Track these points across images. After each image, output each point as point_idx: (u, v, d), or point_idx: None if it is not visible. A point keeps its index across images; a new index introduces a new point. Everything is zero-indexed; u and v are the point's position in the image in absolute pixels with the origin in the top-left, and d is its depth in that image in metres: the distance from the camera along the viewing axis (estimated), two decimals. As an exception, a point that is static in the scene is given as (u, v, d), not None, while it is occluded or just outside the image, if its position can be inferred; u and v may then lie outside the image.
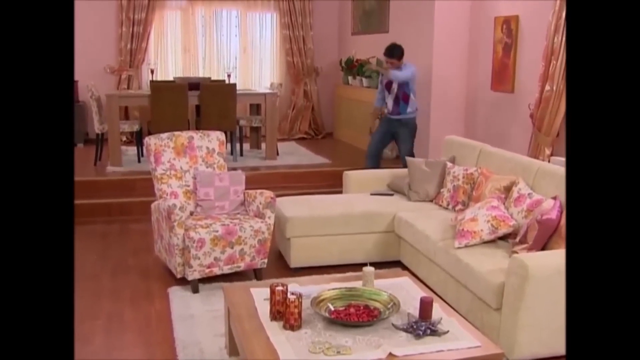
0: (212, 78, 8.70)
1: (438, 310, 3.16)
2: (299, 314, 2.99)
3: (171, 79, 9.12)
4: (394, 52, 6.67)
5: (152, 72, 8.99)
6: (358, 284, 3.43)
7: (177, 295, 4.50)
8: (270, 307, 3.11)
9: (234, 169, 5.34)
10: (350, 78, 9.58)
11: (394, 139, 7.09)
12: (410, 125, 6.90)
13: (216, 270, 4.56)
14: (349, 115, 9.60)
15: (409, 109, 6.82)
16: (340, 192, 5.98)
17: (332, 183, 6.91)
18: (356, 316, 3.06)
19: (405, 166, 5.95)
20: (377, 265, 3.58)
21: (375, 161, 7.07)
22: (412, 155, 6.66)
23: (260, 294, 3.39)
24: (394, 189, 5.69)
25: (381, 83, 7.03)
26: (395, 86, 6.79)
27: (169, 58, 10.05)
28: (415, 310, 3.11)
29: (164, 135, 5.03)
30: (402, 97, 6.79)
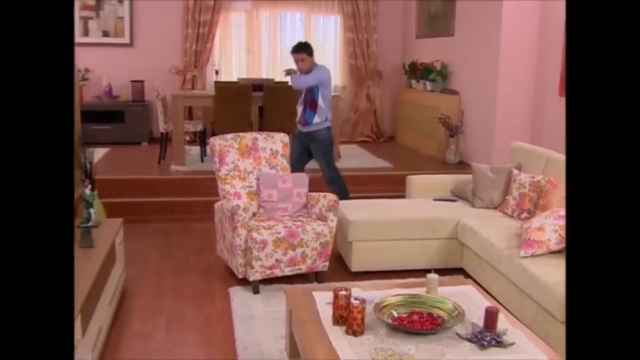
0: (275, 80, 8.72)
1: (503, 321, 3.07)
2: (362, 319, 2.95)
3: (235, 80, 9.19)
4: (306, 47, 5.94)
5: (216, 72, 9.09)
6: (421, 290, 3.37)
7: (238, 296, 4.52)
8: (333, 311, 3.08)
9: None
10: (413, 82, 9.49)
11: (309, 155, 6.21)
12: (320, 140, 6.02)
13: (277, 272, 4.57)
14: (412, 119, 9.51)
15: (316, 119, 5.94)
16: (403, 197, 5.92)
17: (393, 187, 6.84)
18: (419, 324, 3.00)
19: (328, 182, 6.08)
20: (439, 271, 3.51)
21: None
22: (335, 171, 6.18)
23: (322, 297, 3.37)
24: (457, 195, 5.60)
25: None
26: (303, 89, 6.08)
27: (232, 59, 10.15)
28: (479, 320, 3.04)
29: (229, 136, 5.07)
30: (310, 103, 5.97)
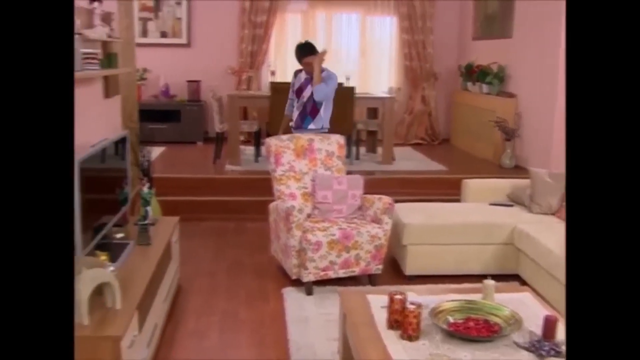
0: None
1: (562, 331, 3.00)
2: (418, 324, 2.91)
3: (289, 80, 9.22)
4: (314, 49, 5.65)
5: (272, 73, 9.14)
6: (477, 296, 3.32)
7: (291, 297, 4.52)
8: (388, 315, 3.05)
9: (350, 172, 5.32)
10: (469, 84, 9.37)
11: None
12: None
13: (331, 274, 4.56)
14: (467, 122, 9.39)
15: (312, 125, 5.67)
16: (458, 201, 5.84)
17: (448, 191, 6.77)
18: (476, 330, 2.95)
19: None
20: (494, 277, 3.45)
21: None
22: None
23: (377, 301, 3.34)
24: (514, 200, 5.49)
25: (292, 86, 5.94)
26: (306, 94, 5.71)
27: (288, 60, 10.17)
28: (537, 328, 2.97)
29: (285, 136, 5.09)
30: (311, 110, 5.70)
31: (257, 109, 9.25)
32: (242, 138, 9.12)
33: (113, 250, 3.68)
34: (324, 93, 5.61)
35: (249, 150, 8.45)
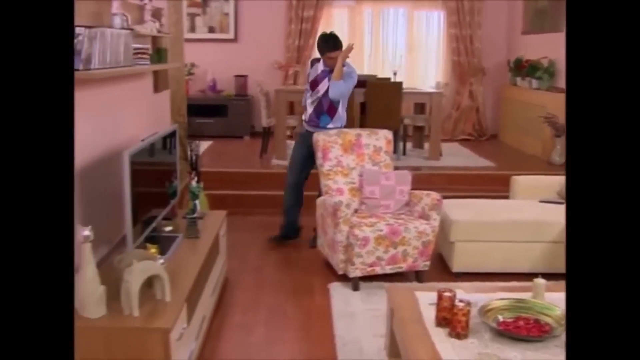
0: (378, 76, 8.67)
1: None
2: (467, 322, 2.87)
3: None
4: (339, 43, 5.22)
5: (319, 68, 9.12)
6: (526, 295, 3.25)
7: (338, 292, 4.51)
8: (436, 312, 3.01)
9: (397, 168, 5.28)
10: (518, 79, 9.22)
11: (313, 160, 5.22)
12: None
13: (378, 270, 4.53)
14: (516, 118, 9.24)
15: (331, 125, 5.24)
16: (506, 197, 5.74)
17: (496, 187, 6.67)
18: (526, 330, 2.89)
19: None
20: (544, 276, 3.37)
21: (298, 194, 5.52)
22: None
23: (425, 297, 3.31)
24: (564, 198, 5.38)
25: (307, 77, 5.50)
26: (322, 88, 5.24)
27: (334, 55, 10.16)
28: (590, 329, 2.90)
29: (333, 132, 5.08)
30: (328, 107, 5.26)
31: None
32: (288, 133, 9.14)
33: (162, 243, 3.72)
34: (339, 91, 5.15)
35: (295, 144, 8.46)
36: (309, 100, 5.32)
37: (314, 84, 5.27)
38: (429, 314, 3.09)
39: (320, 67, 5.29)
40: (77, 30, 3.01)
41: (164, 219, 4.05)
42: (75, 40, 3.01)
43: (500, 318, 2.99)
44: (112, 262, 3.56)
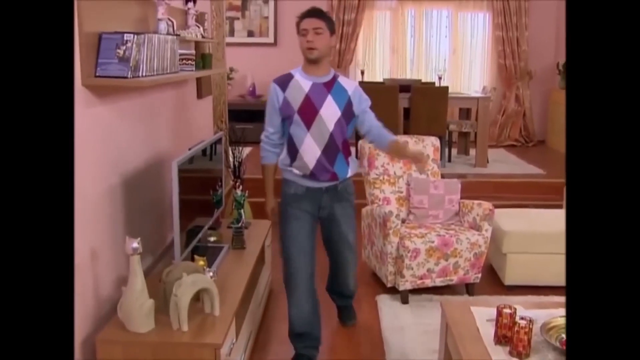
0: (422, 80, 8.53)
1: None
2: (529, 341, 2.72)
3: (379, 80, 9.07)
4: (329, 18, 3.40)
5: (362, 73, 9.01)
6: (590, 312, 3.09)
7: (386, 304, 4.38)
8: (496, 329, 2.87)
9: (442, 175, 5.13)
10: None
11: (326, 225, 3.74)
12: (352, 192, 3.72)
13: (428, 282, 4.38)
14: (564, 123, 8.98)
15: (350, 171, 3.58)
16: (557, 207, 5.55)
17: (546, 196, 6.46)
18: (593, 351, 2.72)
19: (352, 252, 3.85)
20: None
21: (313, 295, 3.73)
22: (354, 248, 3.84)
23: (481, 313, 3.16)
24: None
25: (273, 104, 3.47)
26: (329, 112, 3.37)
27: (377, 59, 10.03)
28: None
29: (379, 139, 4.94)
30: (342, 146, 3.48)
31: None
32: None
33: (208, 254, 3.64)
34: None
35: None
36: (303, 142, 3.38)
37: (306, 109, 3.33)
38: (487, 331, 2.95)
39: (303, 80, 3.38)
40: (126, 36, 2.94)
41: (208, 228, 3.96)
42: (124, 47, 2.94)
43: (564, 336, 2.83)
44: (157, 272, 3.49)
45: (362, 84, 7.65)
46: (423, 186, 4.72)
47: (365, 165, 4.84)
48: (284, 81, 3.44)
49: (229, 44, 9.30)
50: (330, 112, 3.36)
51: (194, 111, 4.92)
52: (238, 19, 9.96)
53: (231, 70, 9.60)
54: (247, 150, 8.53)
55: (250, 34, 9.98)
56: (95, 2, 2.97)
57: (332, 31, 3.37)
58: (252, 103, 9.71)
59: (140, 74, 3.06)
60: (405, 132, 7.23)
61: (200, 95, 5.09)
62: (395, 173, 4.85)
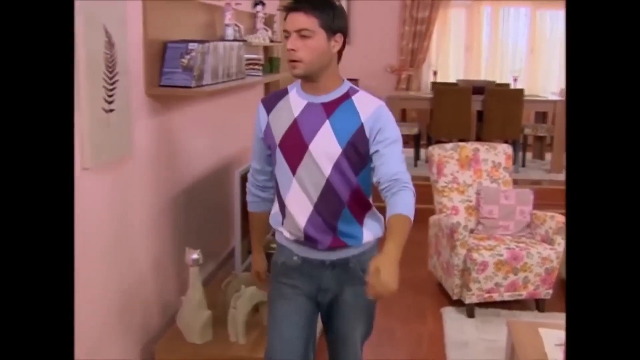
0: (496, 81, 8.29)
1: None
2: (601, 372, 2.57)
3: (452, 80, 8.88)
4: (322, 5, 2.23)
5: (434, 73, 8.84)
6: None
7: (451, 317, 4.26)
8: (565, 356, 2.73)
9: (515, 181, 4.94)
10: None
11: (327, 315, 2.56)
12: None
13: (496, 296, 4.24)
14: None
15: (367, 234, 2.45)
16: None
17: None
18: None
19: None
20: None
21: None
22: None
23: (550, 336, 3.03)
24: None
25: (265, 128, 2.41)
26: (327, 143, 2.29)
27: (450, 58, 9.82)
28: None
29: (448, 145, 4.81)
30: (352, 198, 2.36)
31: (417, 110, 8.99)
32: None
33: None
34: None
35: (408, 153, 8.18)
36: (282, 183, 2.40)
37: (291, 142, 2.33)
38: (557, 356, 2.82)
39: (292, 99, 2.36)
40: (190, 45, 2.93)
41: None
42: (188, 56, 2.93)
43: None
44: (219, 279, 3.48)
45: (435, 85, 7.52)
46: (493, 196, 4.57)
47: (434, 172, 4.72)
48: (273, 99, 2.42)
49: (301, 43, 9.33)
50: (324, 148, 2.26)
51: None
52: (310, 17, 9.91)
53: (302, 69, 9.59)
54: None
55: (322, 32, 9.92)
56: (162, 9, 2.97)
57: (335, 28, 2.22)
58: (323, 102, 9.68)
59: (204, 83, 3.05)
60: (478, 136, 7.05)
61: (268, 98, 5.06)
62: (464, 181, 4.71)
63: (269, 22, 4.70)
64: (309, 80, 2.29)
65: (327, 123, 2.27)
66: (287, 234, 2.44)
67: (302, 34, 2.17)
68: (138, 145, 2.88)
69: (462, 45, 9.77)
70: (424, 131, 7.63)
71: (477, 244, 4.24)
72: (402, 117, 9.20)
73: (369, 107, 2.30)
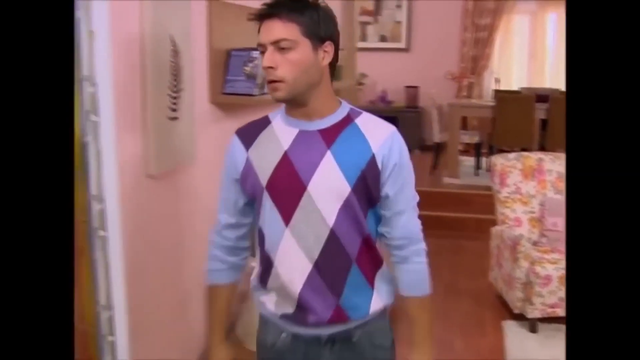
0: (561, 89, 8.09)
1: None
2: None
3: (515, 88, 8.72)
4: (303, 14, 1.72)
5: (497, 81, 8.69)
6: None
7: (512, 331, 4.16)
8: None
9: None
10: None
11: None
12: (387, 347, 2.07)
13: (559, 312, 4.12)
14: None
15: (376, 301, 1.93)
16: None
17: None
18: None
19: None
20: None
21: None
22: None
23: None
24: None
25: (239, 168, 1.88)
26: (328, 189, 1.78)
27: (513, 65, 9.66)
28: None
29: (511, 155, 4.71)
30: (362, 253, 1.86)
31: (478, 118, 8.86)
32: (459, 148, 8.81)
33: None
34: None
35: (468, 161, 8.07)
36: (270, 236, 1.87)
37: (284, 183, 1.81)
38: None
39: (277, 129, 1.88)
40: (253, 54, 2.94)
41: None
42: (251, 64, 2.94)
43: None
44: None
45: (497, 93, 7.38)
46: (558, 208, 4.45)
47: (497, 182, 4.62)
48: (252, 130, 1.93)
49: (361, 49, 9.31)
50: (328, 187, 1.78)
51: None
52: (370, 23, 9.90)
53: (362, 75, 9.56)
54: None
55: (383, 39, 9.90)
56: (226, 17, 2.99)
57: (322, 35, 1.76)
58: (382, 109, 9.63)
59: (266, 91, 3.05)
60: (542, 146, 6.89)
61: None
62: (528, 192, 4.60)
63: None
64: (295, 104, 1.81)
65: (328, 155, 1.78)
66: (270, 306, 1.93)
67: (280, 46, 1.71)
68: (201, 152, 2.90)
69: (525, 53, 9.60)
70: (485, 140, 7.50)
71: (541, 257, 4.14)
72: (463, 125, 9.09)
73: (380, 133, 1.84)
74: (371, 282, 1.90)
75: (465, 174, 7.47)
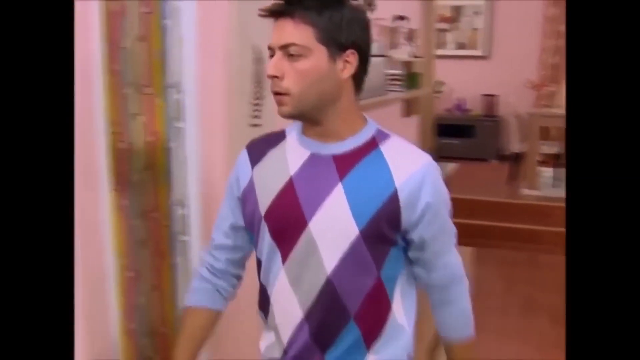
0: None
1: None
2: None
3: (597, 98, 8.47)
4: (321, 14, 1.45)
5: (577, 90, 8.46)
6: None
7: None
8: None
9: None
10: None
11: None
12: None
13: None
14: None
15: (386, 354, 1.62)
16: None
17: None
18: None
19: None
20: None
21: None
22: None
23: None
24: None
25: (231, 189, 1.75)
26: (330, 229, 1.53)
27: (595, 75, 9.38)
28: None
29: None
30: (364, 307, 1.57)
31: (557, 128, 8.63)
32: (538, 158, 8.59)
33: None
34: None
35: (548, 172, 7.85)
36: (266, 271, 1.67)
37: (283, 215, 1.58)
38: None
39: (289, 148, 1.64)
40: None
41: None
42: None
43: None
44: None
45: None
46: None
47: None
48: (263, 145, 1.70)
49: (438, 57, 9.20)
50: (332, 226, 1.53)
51: (397, 130, 4.85)
52: (448, 30, 9.79)
53: (439, 83, 9.46)
54: (450, 166, 8.38)
55: (461, 46, 9.77)
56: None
57: (344, 41, 1.50)
58: (459, 117, 9.51)
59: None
60: None
61: (406, 114, 5.02)
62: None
63: (410, 36, 4.66)
64: (308, 122, 1.58)
65: (339, 188, 1.51)
66: (263, 346, 1.72)
67: (289, 52, 1.46)
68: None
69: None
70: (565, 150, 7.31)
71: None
72: (544, 135, 8.86)
73: (409, 164, 1.53)
74: (368, 343, 1.60)
75: (544, 185, 7.26)
